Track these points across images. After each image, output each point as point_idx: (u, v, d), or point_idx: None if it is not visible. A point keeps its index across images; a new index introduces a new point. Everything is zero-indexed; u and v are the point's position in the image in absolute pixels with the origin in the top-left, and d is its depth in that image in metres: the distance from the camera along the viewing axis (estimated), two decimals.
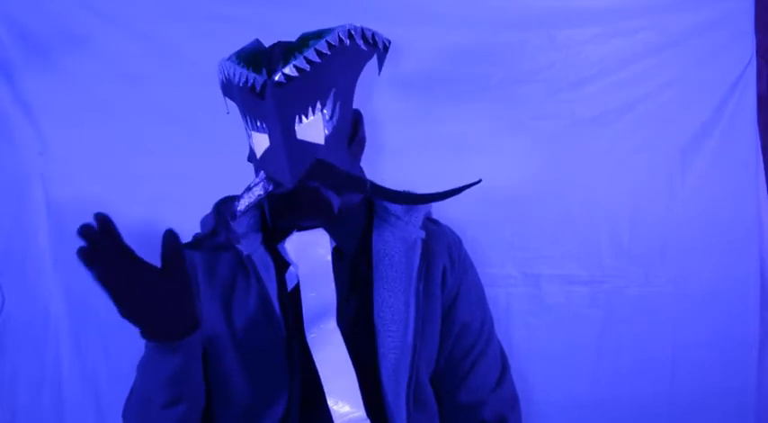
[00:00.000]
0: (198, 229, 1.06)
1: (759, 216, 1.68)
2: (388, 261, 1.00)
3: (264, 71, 0.89)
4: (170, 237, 0.80)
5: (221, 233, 0.97)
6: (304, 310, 0.96)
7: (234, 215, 0.94)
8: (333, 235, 1.00)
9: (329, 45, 0.91)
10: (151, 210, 1.39)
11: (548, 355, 1.62)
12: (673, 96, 1.63)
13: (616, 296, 1.65)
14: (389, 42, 1.01)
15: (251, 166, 1.01)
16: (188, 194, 1.30)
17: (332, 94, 0.94)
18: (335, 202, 0.96)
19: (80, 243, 0.75)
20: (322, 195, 0.94)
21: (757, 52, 1.64)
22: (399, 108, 1.55)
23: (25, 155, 1.54)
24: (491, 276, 1.38)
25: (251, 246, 1.00)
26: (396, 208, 1.05)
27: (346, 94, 0.98)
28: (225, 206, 1.02)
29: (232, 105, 1.01)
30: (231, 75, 0.93)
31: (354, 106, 1.02)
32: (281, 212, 0.99)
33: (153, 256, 0.81)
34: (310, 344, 0.94)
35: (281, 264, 1.00)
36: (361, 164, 1.05)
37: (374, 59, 1.01)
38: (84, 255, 0.75)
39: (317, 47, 0.90)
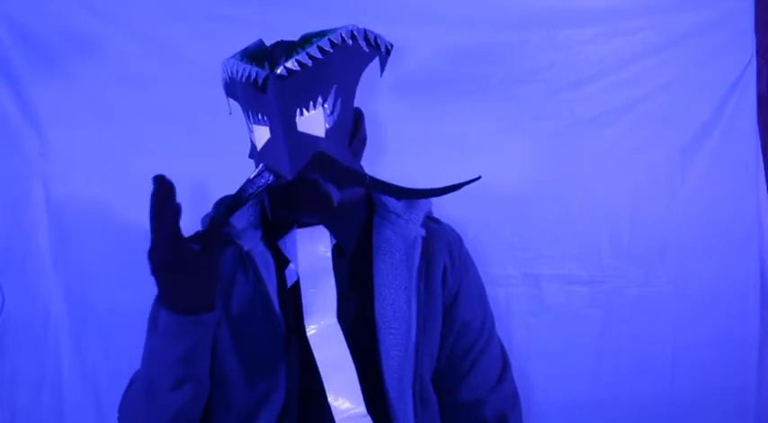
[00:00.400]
0: (198, 229, 1.06)
1: (759, 216, 1.68)
2: (389, 259, 1.00)
3: (267, 65, 0.90)
4: (215, 222, 0.85)
5: (223, 224, 0.97)
6: (304, 306, 0.96)
7: (234, 207, 0.94)
8: (333, 232, 1.00)
9: (332, 43, 0.91)
10: None
11: (548, 354, 1.62)
12: (673, 96, 1.63)
13: (616, 296, 1.65)
14: (392, 46, 1.01)
15: (251, 167, 1.01)
16: (188, 194, 1.30)
17: (333, 90, 0.94)
18: (335, 195, 0.96)
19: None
20: (321, 188, 0.94)
21: (757, 52, 1.64)
22: (399, 108, 1.55)
23: (25, 155, 1.54)
24: (491, 276, 1.37)
25: (250, 242, 1.00)
26: (396, 206, 1.05)
27: (348, 92, 0.98)
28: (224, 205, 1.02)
29: (234, 106, 1.02)
30: (234, 72, 0.93)
31: (356, 106, 1.02)
32: (280, 205, 0.99)
33: None
34: (310, 340, 0.94)
35: (281, 260, 1.00)
36: (362, 163, 1.05)
37: (376, 62, 1.01)
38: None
39: (319, 44, 0.91)
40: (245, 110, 0.97)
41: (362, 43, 0.96)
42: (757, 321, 1.68)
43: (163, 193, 0.78)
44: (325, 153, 0.93)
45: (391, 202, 1.06)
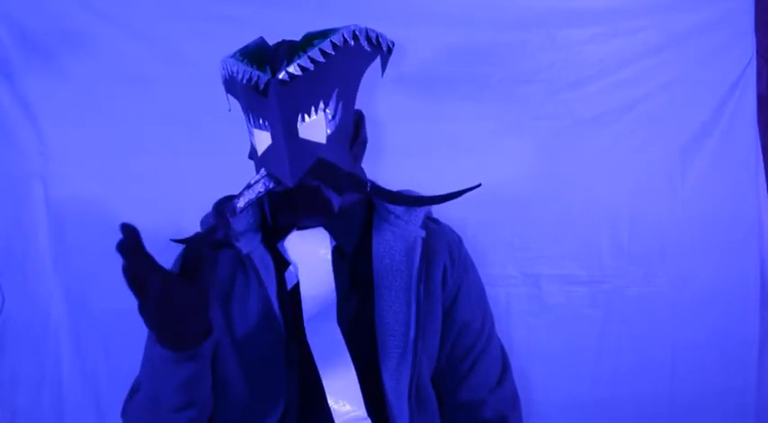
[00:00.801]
0: (198, 229, 1.06)
1: (759, 216, 1.68)
2: (389, 260, 1.00)
3: (268, 69, 0.89)
4: (193, 246, 0.82)
5: (219, 230, 0.97)
6: (304, 308, 0.95)
7: (234, 212, 0.94)
8: (333, 234, 1.00)
9: (334, 45, 0.91)
10: (151, 210, 1.40)
11: (548, 355, 1.62)
12: (673, 96, 1.63)
13: (616, 296, 1.65)
14: (393, 44, 1.01)
15: (251, 167, 1.01)
16: (188, 194, 1.30)
17: (335, 94, 0.94)
18: (336, 201, 0.96)
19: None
20: (322, 194, 0.94)
21: (757, 52, 1.64)
22: (399, 108, 1.55)
23: (25, 155, 1.54)
24: (491, 276, 1.37)
25: (250, 244, 1.00)
26: (396, 207, 1.05)
27: (349, 95, 0.98)
28: (224, 205, 1.02)
29: (233, 102, 1.01)
30: (234, 72, 0.92)
31: (356, 107, 1.02)
32: (281, 210, 0.99)
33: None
34: (310, 342, 0.94)
35: (281, 263, 1.00)
36: (362, 163, 1.05)
37: (377, 61, 1.01)
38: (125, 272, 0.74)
39: (321, 47, 0.90)
40: (246, 112, 0.97)
41: (364, 43, 0.95)
42: (757, 321, 1.68)
43: (131, 246, 0.74)
44: (327, 160, 0.92)
45: None
